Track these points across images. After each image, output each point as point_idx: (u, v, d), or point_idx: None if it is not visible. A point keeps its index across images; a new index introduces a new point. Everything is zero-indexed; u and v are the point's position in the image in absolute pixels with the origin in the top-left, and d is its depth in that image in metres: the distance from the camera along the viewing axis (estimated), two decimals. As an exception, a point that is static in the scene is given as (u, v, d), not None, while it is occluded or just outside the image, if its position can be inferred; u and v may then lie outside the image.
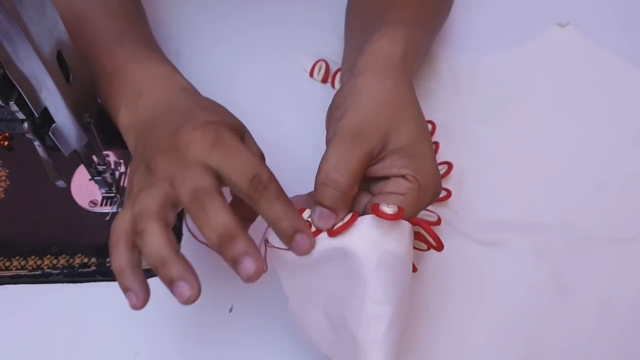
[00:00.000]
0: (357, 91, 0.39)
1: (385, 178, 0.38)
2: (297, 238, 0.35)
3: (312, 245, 0.35)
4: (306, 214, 0.37)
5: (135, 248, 0.35)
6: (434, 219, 0.49)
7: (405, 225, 0.36)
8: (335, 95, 0.42)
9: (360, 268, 0.34)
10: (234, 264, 0.33)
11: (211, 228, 0.33)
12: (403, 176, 0.37)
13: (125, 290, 0.35)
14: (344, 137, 0.37)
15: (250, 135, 0.41)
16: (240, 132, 0.40)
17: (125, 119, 0.42)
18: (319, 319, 0.38)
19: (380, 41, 0.42)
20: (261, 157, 0.41)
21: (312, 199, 0.39)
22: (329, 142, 0.38)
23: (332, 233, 0.35)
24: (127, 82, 0.43)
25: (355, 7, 0.55)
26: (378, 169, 0.38)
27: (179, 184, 0.34)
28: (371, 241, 0.35)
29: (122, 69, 0.44)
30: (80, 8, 0.47)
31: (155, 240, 0.33)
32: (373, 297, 0.34)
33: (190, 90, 0.43)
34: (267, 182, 0.34)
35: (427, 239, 0.39)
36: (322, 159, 0.37)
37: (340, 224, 0.36)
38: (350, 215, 0.36)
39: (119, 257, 0.35)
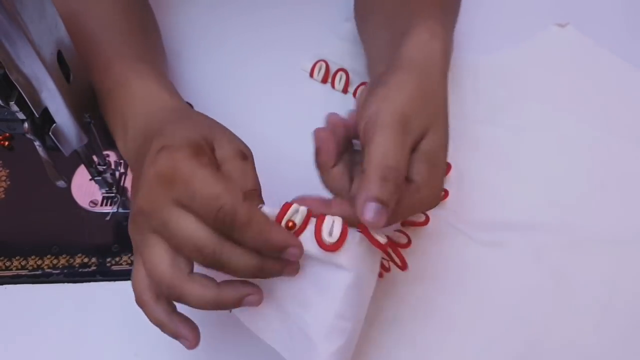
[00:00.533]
0: (404, 78, 0.37)
1: None
2: (289, 252, 0.34)
3: (302, 251, 0.34)
4: (329, 222, 0.35)
5: (161, 297, 0.36)
6: (403, 240, 0.50)
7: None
8: (376, 81, 0.39)
9: (336, 284, 0.35)
10: (281, 273, 0.35)
11: (242, 274, 0.34)
12: (411, 180, 0.36)
13: (175, 337, 0.36)
14: (395, 125, 0.35)
15: (224, 136, 0.37)
16: (208, 141, 0.36)
17: (121, 148, 0.43)
18: (268, 309, 0.38)
19: (422, 34, 0.40)
20: (240, 155, 0.37)
21: (323, 200, 0.37)
22: (373, 123, 0.35)
23: (327, 248, 0.35)
24: (116, 108, 0.42)
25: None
26: None
27: (178, 245, 0.33)
28: (354, 261, 0.35)
29: (114, 91, 0.43)
30: (84, 23, 0.46)
31: (199, 296, 0.34)
32: (340, 312, 0.35)
33: (168, 108, 0.41)
34: (232, 213, 0.32)
35: (392, 256, 0.41)
36: (375, 146, 0.34)
37: (328, 236, 0.35)
38: (340, 227, 0.35)
39: (153, 313, 0.36)
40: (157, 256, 0.34)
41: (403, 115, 0.35)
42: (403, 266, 0.40)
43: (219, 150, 0.36)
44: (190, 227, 0.33)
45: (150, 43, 0.51)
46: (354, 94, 0.58)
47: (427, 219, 0.50)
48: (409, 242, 0.49)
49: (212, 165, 0.34)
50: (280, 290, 0.37)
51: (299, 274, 0.36)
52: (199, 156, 0.34)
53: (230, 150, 0.37)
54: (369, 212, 0.33)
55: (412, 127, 0.36)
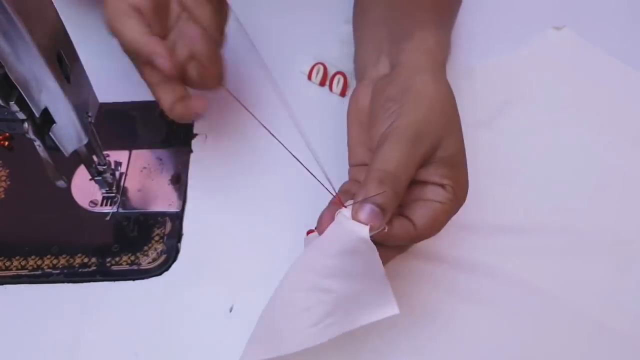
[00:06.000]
0: (416, 90, 0.38)
1: (421, 183, 0.38)
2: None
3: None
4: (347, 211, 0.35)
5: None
6: None
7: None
8: (385, 85, 0.40)
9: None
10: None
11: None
12: (442, 185, 0.37)
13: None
14: (405, 137, 0.36)
15: None
16: None
17: None
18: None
19: (427, 41, 0.42)
20: None
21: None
22: (385, 135, 0.37)
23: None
24: None
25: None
26: (420, 174, 0.38)
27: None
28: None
29: None
30: None
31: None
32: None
33: None
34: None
35: None
36: (380, 153, 0.36)
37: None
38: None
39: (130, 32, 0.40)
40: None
41: (415, 130, 0.37)
42: None
43: None
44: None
45: None
46: (352, 97, 0.59)
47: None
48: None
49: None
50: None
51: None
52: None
53: None
54: (363, 213, 0.34)
55: (425, 140, 0.37)
